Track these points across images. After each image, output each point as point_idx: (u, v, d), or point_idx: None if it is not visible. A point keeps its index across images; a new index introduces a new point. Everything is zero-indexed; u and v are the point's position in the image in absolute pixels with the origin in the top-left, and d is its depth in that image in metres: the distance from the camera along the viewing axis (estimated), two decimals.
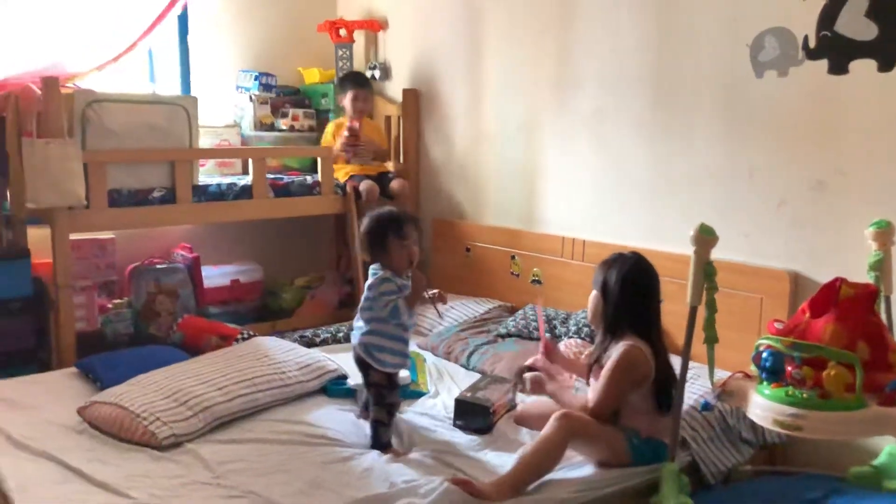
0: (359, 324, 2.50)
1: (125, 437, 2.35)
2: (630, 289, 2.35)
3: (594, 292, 2.43)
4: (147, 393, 2.49)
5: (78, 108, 3.19)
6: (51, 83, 3.08)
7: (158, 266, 3.80)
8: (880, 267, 2.29)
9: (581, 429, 2.23)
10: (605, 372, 2.31)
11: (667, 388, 2.32)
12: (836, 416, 1.90)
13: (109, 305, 3.63)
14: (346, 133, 3.95)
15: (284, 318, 4.07)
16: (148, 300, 3.70)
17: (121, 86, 3.82)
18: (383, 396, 2.42)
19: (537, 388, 2.53)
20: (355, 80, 4.11)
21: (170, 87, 4.16)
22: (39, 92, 3.18)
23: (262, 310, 4.20)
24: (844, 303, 2.03)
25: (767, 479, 2.48)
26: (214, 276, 4.05)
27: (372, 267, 2.51)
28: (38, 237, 3.39)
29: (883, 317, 2.24)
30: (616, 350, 2.32)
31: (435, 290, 2.58)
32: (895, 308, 2.32)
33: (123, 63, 3.77)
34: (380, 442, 2.35)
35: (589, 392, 2.41)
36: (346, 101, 4.07)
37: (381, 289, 2.43)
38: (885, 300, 2.29)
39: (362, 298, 2.52)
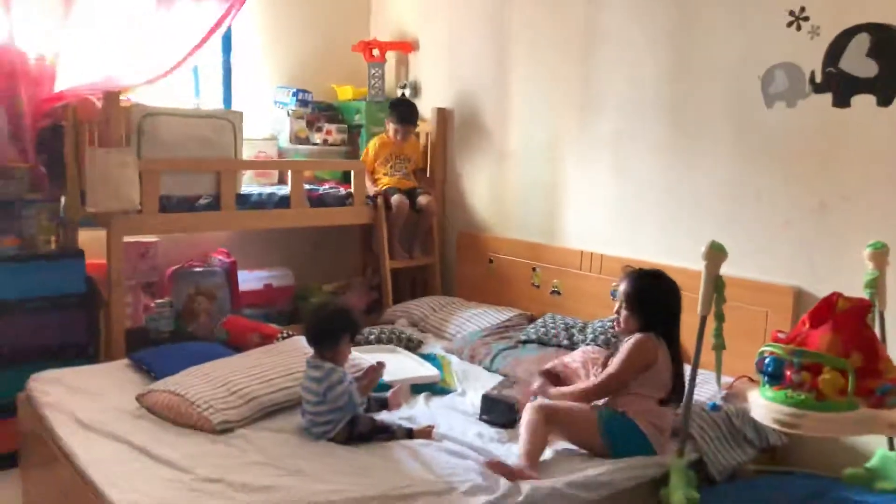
0: (314, 419, 2.53)
1: (181, 421, 2.57)
2: (660, 304, 2.57)
3: (622, 305, 2.60)
4: (200, 383, 2.71)
5: (134, 120, 3.44)
6: (112, 97, 3.34)
7: (198, 269, 4.02)
8: (875, 284, 2.51)
9: (552, 412, 2.47)
10: (618, 355, 2.55)
11: (677, 387, 2.54)
12: (830, 416, 2.10)
13: (152, 304, 3.86)
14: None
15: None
16: (188, 301, 3.92)
17: (168, 99, 4.07)
18: (359, 433, 2.51)
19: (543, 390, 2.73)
20: (401, 116, 4.26)
21: (213, 100, 4.41)
22: (98, 104, 3.43)
23: (292, 313, 4.42)
24: (840, 315, 2.24)
25: (768, 478, 2.67)
26: (249, 280, 4.28)
27: (311, 360, 2.59)
28: (85, 238, 3.65)
29: (876, 329, 2.45)
30: (629, 339, 2.55)
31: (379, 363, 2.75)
32: (888, 323, 2.53)
33: (172, 77, 4.01)
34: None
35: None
36: (389, 129, 4.30)
37: (332, 380, 2.51)
38: (878, 315, 2.50)
39: (308, 392, 2.55)
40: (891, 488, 2.49)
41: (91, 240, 3.60)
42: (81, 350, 3.49)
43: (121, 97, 3.67)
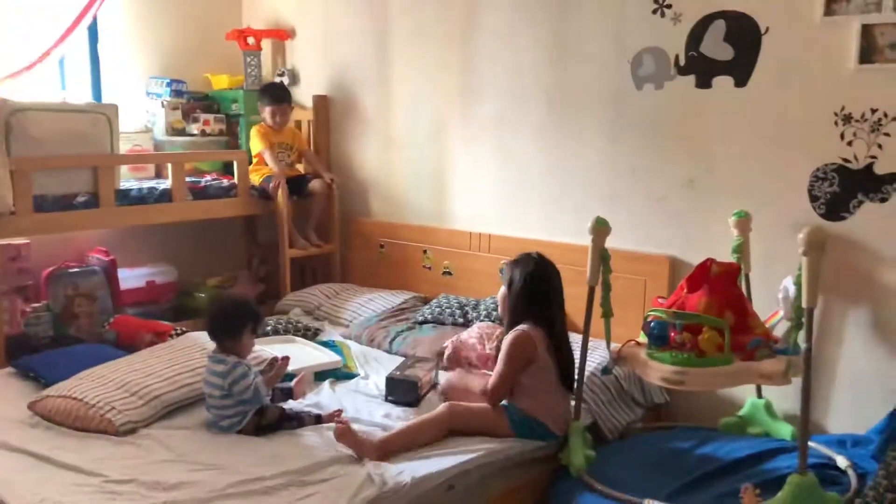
0: (221, 413, 2.52)
1: (81, 426, 2.49)
2: (532, 286, 2.63)
3: (502, 289, 2.72)
4: (98, 385, 2.63)
5: (1, 117, 3.25)
6: None
7: (75, 270, 3.87)
8: (741, 249, 2.77)
9: (464, 416, 2.54)
10: (500, 353, 2.63)
11: (567, 370, 2.64)
12: (710, 370, 2.33)
13: (28, 309, 3.68)
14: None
15: (201, 317, 4.19)
16: (66, 303, 3.77)
17: (33, 93, 3.86)
18: (267, 424, 2.52)
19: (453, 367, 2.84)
20: (273, 97, 4.20)
21: (81, 94, 4.21)
22: None
23: (177, 310, 4.30)
24: (714, 279, 2.47)
25: (655, 434, 2.90)
26: (130, 277, 4.14)
27: (212, 356, 2.57)
28: None
29: (743, 289, 2.71)
30: (507, 337, 2.63)
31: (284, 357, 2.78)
32: (753, 283, 2.80)
33: (36, 71, 3.81)
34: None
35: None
36: (266, 114, 4.19)
37: (236, 374, 2.49)
38: (745, 276, 2.76)
39: (211, 387, 2.53)
40: (760, 432, 2.77)
41: None
42: None
43: None
